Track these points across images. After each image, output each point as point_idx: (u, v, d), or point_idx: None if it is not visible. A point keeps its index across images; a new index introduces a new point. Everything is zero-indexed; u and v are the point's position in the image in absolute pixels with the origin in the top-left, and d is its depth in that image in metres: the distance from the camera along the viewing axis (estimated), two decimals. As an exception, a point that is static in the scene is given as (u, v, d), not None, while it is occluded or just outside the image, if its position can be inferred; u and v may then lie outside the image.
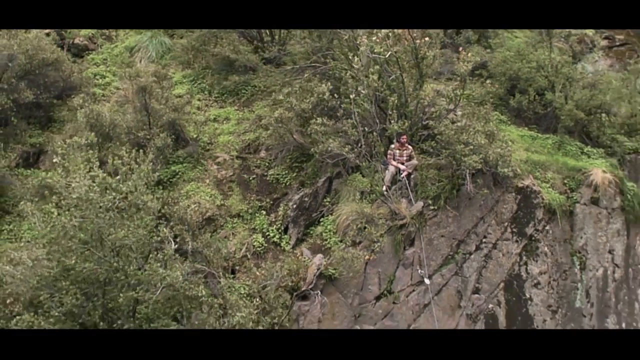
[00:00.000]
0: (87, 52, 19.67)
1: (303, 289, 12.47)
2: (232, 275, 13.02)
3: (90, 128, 12.88)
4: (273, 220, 14.33)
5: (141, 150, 11.16)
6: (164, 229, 10.37)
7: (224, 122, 16.97)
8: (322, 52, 16.09)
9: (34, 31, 16.40)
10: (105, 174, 9.89)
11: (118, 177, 9.94)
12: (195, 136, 15.81)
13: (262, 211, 14.50)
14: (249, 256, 13.44)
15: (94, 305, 10.31)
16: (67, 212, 10.05)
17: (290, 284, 12.36)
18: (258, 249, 13.73)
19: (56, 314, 10.06)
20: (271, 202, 14.76)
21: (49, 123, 16.43)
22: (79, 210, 10.02)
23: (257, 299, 11.83)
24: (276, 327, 11.56)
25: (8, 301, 11.09)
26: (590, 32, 28.83)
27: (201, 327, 10.80)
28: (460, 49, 15.45)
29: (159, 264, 9.91)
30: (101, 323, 10.35)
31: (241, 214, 14.36)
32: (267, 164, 15.56)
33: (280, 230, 14.16)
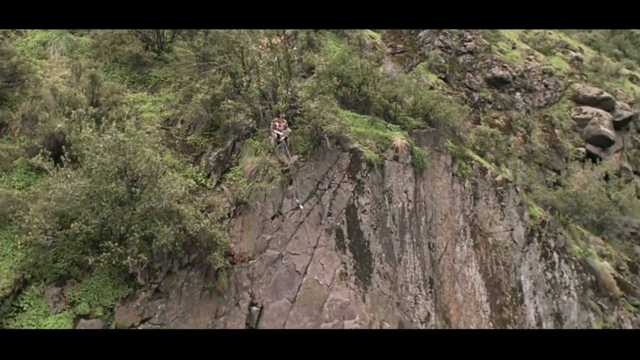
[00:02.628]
0: (3, 45, 23.57)
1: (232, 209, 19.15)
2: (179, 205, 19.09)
3: (90, 104, 18.01)
4: (198, 170, 20.53)
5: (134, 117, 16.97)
6: (165, 166, 16.40)
7: (141, 103, 22.53)
8: (222, 54, 22.52)
9: (-14, 28, 20.52)
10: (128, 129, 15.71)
11: (140, 131, 15.79)
12: (128, 112, 21.25)
13: (190, 164, 20.62)
14: (187, 193, 19.58)
15: (117, 216, 15.95)
16: (99, 155, 15.60)
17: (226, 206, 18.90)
18: (192, 188, 19.88)
19: (95, 221, 15.54)
20: (194, 158, 20.90)
21: (1, 102, 20.61)
22: (109, 154, 15.66)
23: (208, 216, 18.11)
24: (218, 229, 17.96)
25: (43, 220, 16.08)
26: (379, 40, 38.32)
27: (183, 227, 16.84)
28: (316, 55, 23.01)
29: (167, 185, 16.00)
30: (121, 228, 16.04)
31: (175, 166, 20.33)
32: (184, 133, 21.60)
33: (204, 176, 20.35)
